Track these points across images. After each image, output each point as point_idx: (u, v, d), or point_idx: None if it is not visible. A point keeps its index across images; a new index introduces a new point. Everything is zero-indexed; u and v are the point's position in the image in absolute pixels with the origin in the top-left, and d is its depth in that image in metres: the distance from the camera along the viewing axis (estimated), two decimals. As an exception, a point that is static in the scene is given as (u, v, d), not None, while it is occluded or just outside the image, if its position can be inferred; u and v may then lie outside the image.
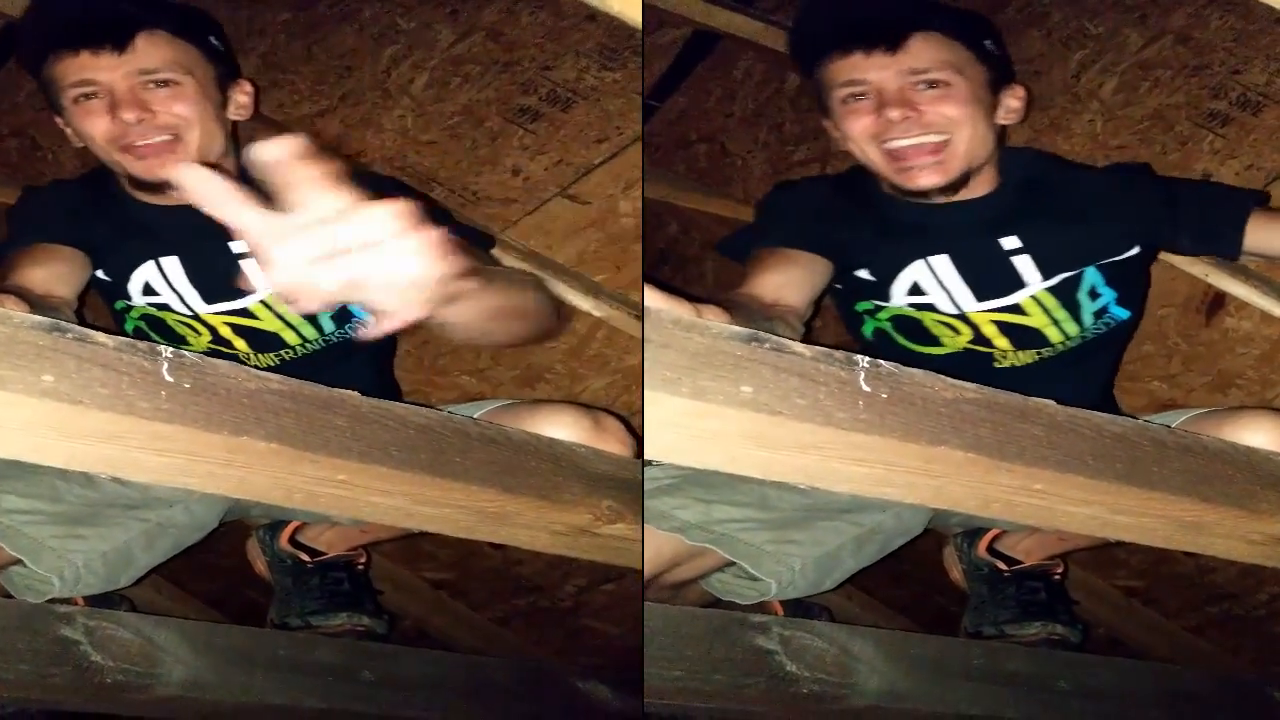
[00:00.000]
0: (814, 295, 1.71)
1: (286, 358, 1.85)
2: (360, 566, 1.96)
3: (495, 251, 2.10)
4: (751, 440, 1.02)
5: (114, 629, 1.53)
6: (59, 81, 1.68)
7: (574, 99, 2.05)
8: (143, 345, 1.04)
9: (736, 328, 1.04)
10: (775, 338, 1.05)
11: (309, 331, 1.84)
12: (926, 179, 1.67)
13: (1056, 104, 2.11)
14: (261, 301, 1.81)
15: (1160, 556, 2.23)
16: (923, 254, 1.75)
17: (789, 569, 1.64)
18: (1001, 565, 1.89)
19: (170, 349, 1.06)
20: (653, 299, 1.10)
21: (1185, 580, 2.28)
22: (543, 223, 2.13)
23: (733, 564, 1.66)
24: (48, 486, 1.67)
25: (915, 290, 1.78)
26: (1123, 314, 1.82)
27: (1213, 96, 2.02)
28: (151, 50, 1.67)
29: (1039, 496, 1.17)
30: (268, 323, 1.82)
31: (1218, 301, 2.10)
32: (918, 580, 2.18)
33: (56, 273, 1.72)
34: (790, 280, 1.67)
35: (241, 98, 1.79)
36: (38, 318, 1.00)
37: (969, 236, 1.74)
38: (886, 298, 1.79)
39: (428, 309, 0.90)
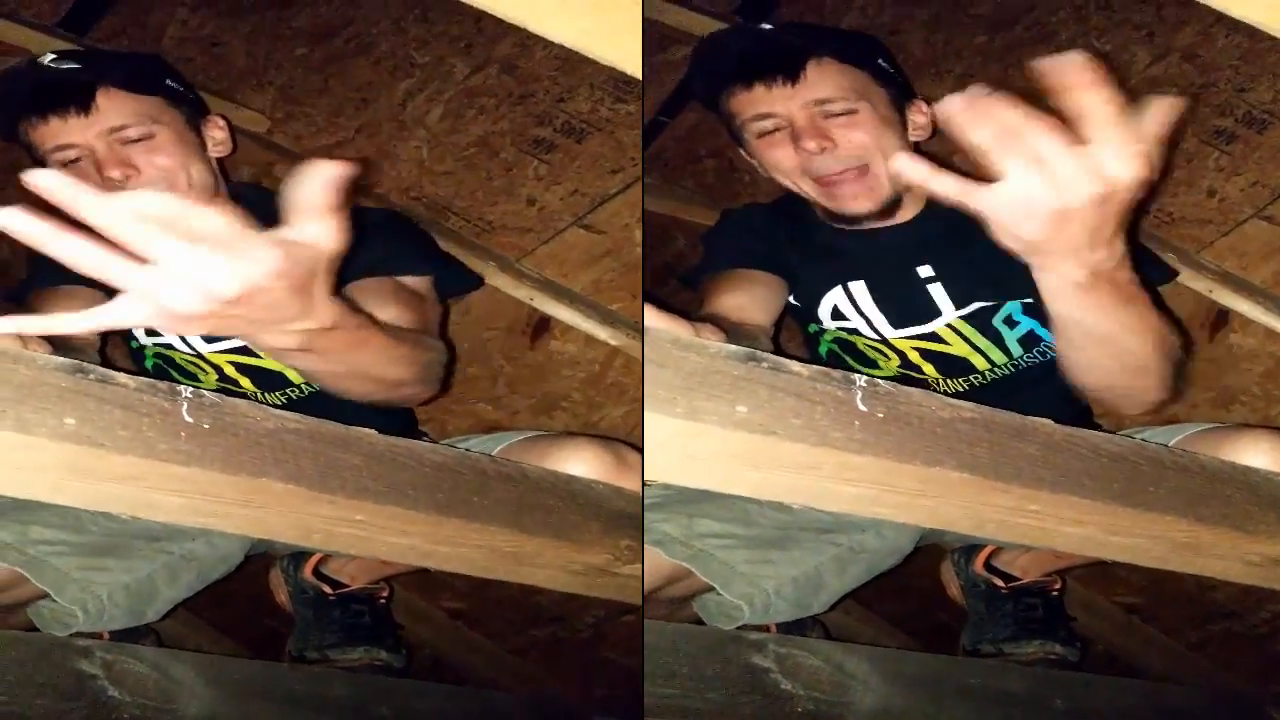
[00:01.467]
0: (776, 313, 1.73)
1: (293, 396, 1.85)
2: (382, 600, 1.95)
3: (509, 279, 2.11)
4: (746, 461, 1.02)
5: (131, 663, 1.52)
6: (39, 148, 1.70)
7: (588, 130, 2.06)
8: (163, 385, 1.05)
9: (734, 347, 1.04)
10: (773, 357, 1.05)
11: None
12: (858, 205, 1.69)
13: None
14: None
15: (1160, 574, 2.21)
16: (841, 280, 1.77)
17: (761, 591, 1.63)
18: (999, 582, 1.88)
19: (190, 389, 1.06)
20: (651, 318, 1.11)
21: (1186, 597, 2.28)
22: (558, 252, 2.14)
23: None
24: (73, 517, 1.67)
25: (837, 315, 1.79)
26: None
27: (1219, 114, 2.02)
28: (114, 107, 1.68)
29: (1034, 517, 1.17)
30: (270, 361, 1.82)
31: (1222, 318, 2.10)
32: (917, 594, 2.17)
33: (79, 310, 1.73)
34: (751, 299, 1.70)
35: (217, 133, 1.79)
36: (60, 359, 1.01)
37: (887, 263, 1.75)
38: (819, 321, 1.81)
39: (221, 324, 0.99)
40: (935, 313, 1.77)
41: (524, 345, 2.18)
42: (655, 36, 2.13)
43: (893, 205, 1.71)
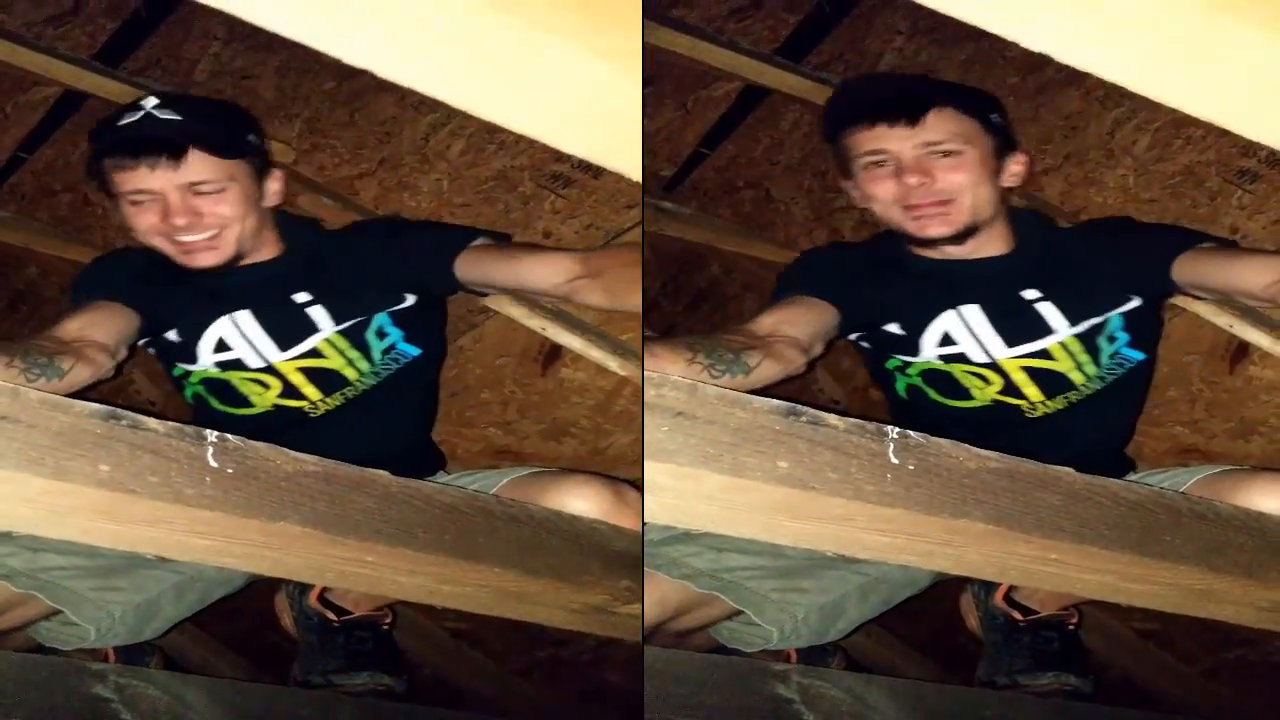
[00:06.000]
0: (817, 331, 1.81)
1: (349, 395, 1.92)
2: (385, 626, 1.98)
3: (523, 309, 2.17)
4: (785, 513, 1.08)
5: (143, 686, 1.57)
6: (118, 187, 1.81)
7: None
8: (190, 430, 1.11)
9: (777, 401, 1.09)
10: (813, 410, 1.11)
11: (364, 365, 1.92)
12: (935, 229, 1.82)
13: (1090, 158, 2.17)
14: (325, 339, 1.90)
15: (1177, 603, 2.26)
16: (953, 304, 1.87)
17: (791, 617, 1.71)
18: (1017, 615, 1.91)
19: (215, 434, 1.12)
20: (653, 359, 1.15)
21: (1202, 624, 2.30)
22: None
23: (740, 612, 1.72)
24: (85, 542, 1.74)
25: (946, 341, 1.87)
26: (1137, 355, 1.90)
27: (1243, 155, 2.07)
28: (201, 165, 1.80)
29: (1055, 565, 1.22)
30: (333, 359, 1.91)
31: (1241, 350, 2.14)
32: (933, 618, 2.21)
33: (94, 320, 1.81)
34: (790, 317, 1.79)
35: (274, 185, 1.90)
36: (95, 406, 1.06)
37: (996, 288, 1.86)
38: (916, 351, 1.88)
39: None
40: (1048, 330, 1.87)
41: (535, 372, 2.23)
42: (697, 73, 2.19)
43: (965, 234, 1.83)
